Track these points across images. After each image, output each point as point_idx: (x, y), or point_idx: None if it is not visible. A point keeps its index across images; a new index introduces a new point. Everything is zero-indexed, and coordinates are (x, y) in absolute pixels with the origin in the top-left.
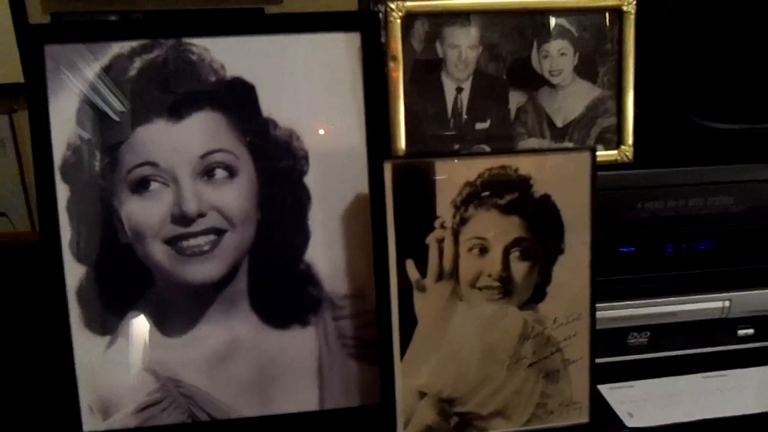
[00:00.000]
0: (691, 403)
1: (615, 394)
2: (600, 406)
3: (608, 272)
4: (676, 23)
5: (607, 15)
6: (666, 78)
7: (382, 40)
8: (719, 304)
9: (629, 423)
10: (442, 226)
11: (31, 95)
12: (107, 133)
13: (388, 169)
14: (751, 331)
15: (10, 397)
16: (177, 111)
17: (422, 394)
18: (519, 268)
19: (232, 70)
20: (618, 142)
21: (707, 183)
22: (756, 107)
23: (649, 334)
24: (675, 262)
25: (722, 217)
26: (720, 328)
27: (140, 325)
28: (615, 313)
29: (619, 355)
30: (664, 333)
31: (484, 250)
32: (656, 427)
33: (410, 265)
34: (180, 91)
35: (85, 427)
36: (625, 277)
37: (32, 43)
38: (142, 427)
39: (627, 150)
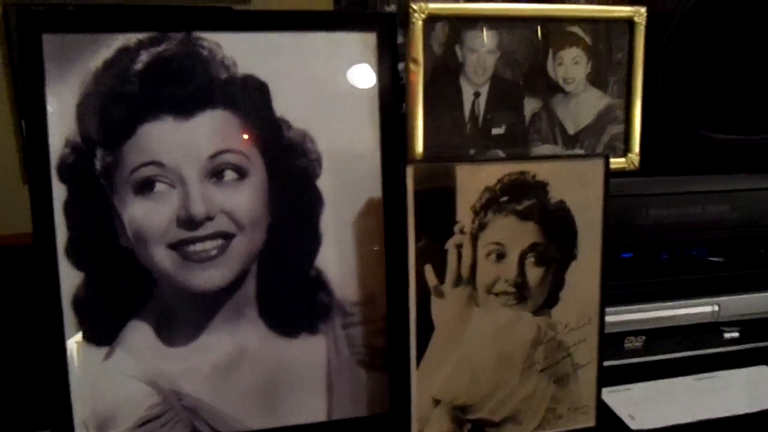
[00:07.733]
0: (686, 404)
1: (614, 397)
2: (601, 409)
3: (610, 278)
4: (684, 36)
5: (619, 25)
6: (671, 88)
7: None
8: (709, 308)
9: (632, 425)
10: (462, 231)
11: (28, 87)
12: (109, 131)
13: (410, 173)
14: (736, 333)
15: None
16: (185, 108)
17: (436, 402)
18: (534, 274)
19: (244, 67)
20: (625, 149)
21: (708, 191)
22: (754, 119)
23: (644, 338)
24: (670, 268)
25: (718, 224)
26: (709, 331)
27: (141, 334)
28: (615, 318)
29: (617, 358)
30: (658, 337)
31: (501, 256)
32: (658, 429)
33: (429, 271)
34: (189, 87)
35: None
36: (624, 283)
37: (29, 32)
38: None
39: (634, 158)
